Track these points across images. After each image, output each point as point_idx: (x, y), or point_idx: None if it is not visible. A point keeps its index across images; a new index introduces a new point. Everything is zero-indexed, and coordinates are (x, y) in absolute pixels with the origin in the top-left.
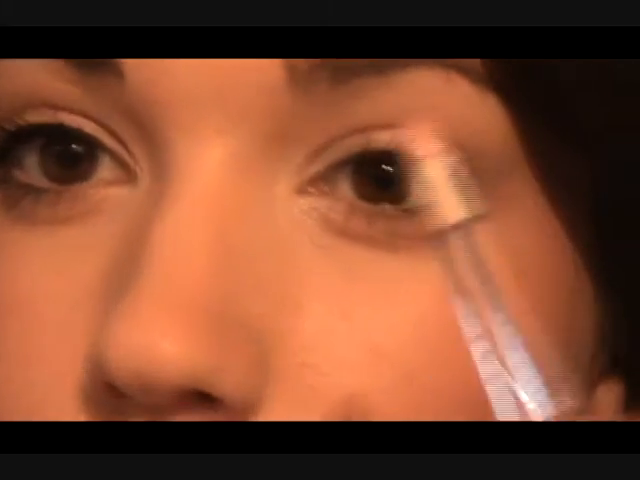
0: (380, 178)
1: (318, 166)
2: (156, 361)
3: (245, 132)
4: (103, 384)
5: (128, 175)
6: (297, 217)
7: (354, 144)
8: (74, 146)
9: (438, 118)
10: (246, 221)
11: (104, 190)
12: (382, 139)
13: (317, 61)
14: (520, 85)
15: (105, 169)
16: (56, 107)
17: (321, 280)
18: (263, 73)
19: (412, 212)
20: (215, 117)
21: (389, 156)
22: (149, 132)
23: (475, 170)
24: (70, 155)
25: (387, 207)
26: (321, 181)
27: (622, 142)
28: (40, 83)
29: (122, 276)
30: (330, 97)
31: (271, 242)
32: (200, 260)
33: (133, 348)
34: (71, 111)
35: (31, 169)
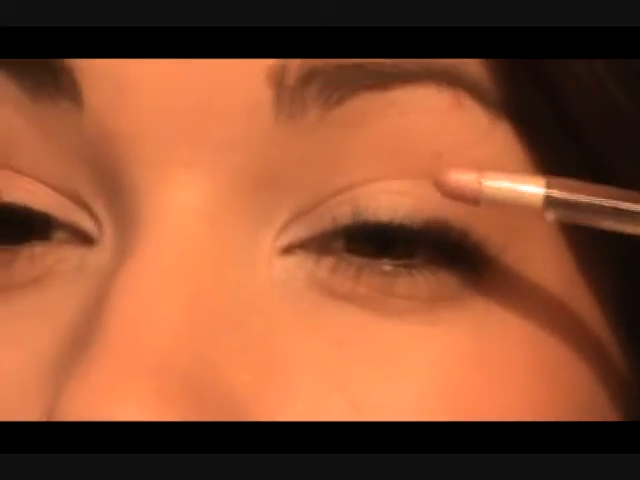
0: (378, 236)
1: (305, 231)
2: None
3: (222, 168)
4: None
5: (86, 235)
6: (280, 277)
7: (343, 213)
8: (23, 219)
9: (444, 145)
10: (224, 281)
11: (60, 250)
12: (373, 204)
13: (306, 74)
14: (536, 109)
15: (60, 233)
16: (4, 163)
17: (309, 346)
18: (244, 92)
19: (415, 269)
20: (185, 148)
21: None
22: (109, 175)
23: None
24: (19, 224)
25: (385, 262)
26: (308, 242)
27: None
28: None
29: (78, 342)
30: (321, 127)
31: (252, 304)
32: (171, 316)
33: (85, 415)
34: (20, 170)
35: None
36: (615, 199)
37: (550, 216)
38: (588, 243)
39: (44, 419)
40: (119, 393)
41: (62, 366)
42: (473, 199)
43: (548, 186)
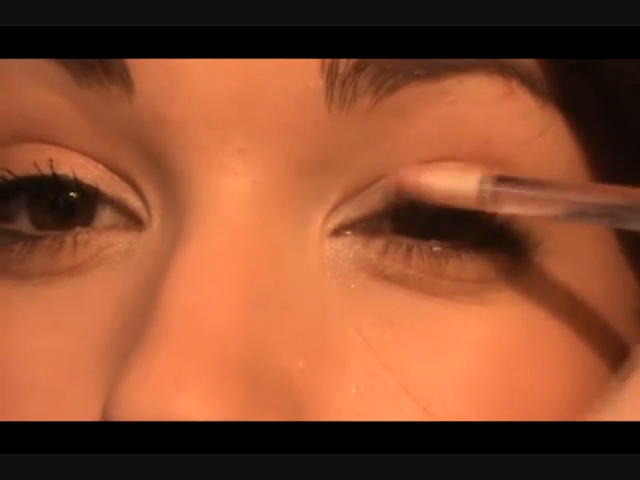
0: (424, 216)
1: (355, 211)
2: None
3: (274, 154)
4: None
5: (134, 219)
6: (330, 259)
7: (391, 192)
8: (71, 194)
9: (495, 132)
10: (276, 265)
11: (107, 235)
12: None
13: (359, 63)
14: (588, 101)
15: (105, 216)
16: (52, 141)
17: (359, 328)
18: (296, 79)
19: (463, 250)
20: (238, 135)
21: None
22: (160, 160)
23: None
24: (64, 204)
25: (433, 243)
26: (358, 223)
27: None
28: (36, 103)
29: (132, 330)
30: (372, 115)
31: (304, 288)
32: (229, 305)
33: (146, 407)
34: (68, 146)
35: (19, 220)
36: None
37: (494, 209)
38: (623, 246)
39: (101, 410)
40: (184, 388)
41: (116, 355)
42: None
43: (482, 182)
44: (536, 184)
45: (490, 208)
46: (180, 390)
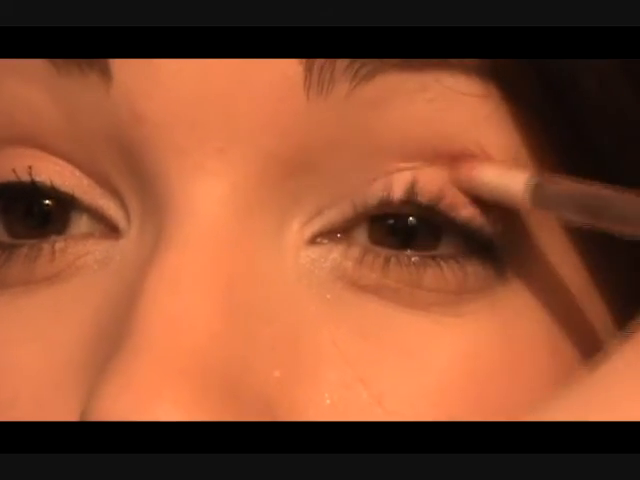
0: (401, 227)
1: (331, 219)
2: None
3: (254, 153)
4: None
5: (111, 226)
6: (307, 268)
7: (371, 195)
8: (46, 202)
9: (472, 135)
10: (254, 273)
11: (84, 244)
12: (397, 191)
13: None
14: (556, 101)
15: (82, 224)
16: (32, 142)
17: (334, 339)
18: (274, 69)
19: (442, 260)
20: (217, 134)
21: (411, 205)
22: (137, 160)
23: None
24: (39, 212)
25: (410, 253)
26: (334, 232)
27: None
28: (19, 100)
29: (111, 339)
30: (349, 104)
31: (281, 297)
32: (209, 314)
33: (124, 416)
34: (47, 147)
35: None
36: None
37: (537, 209)
38: (603, 248)
39: (79, 416)
40: (164, 394)
41: (96, 365)
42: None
43: (530, 180)
44: (584, 189)
45: (536, 208)
46: (161, 398)
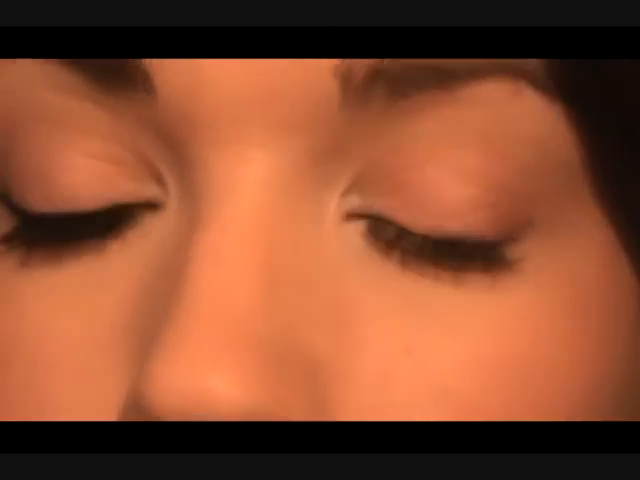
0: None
1: (367, 197)
2: (208, 402)
3: (290, 148)
4: None
5: (150, 201)
6: (347, 242)
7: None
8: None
9: (502, 135)
10: (294, 246)
11: (127, 216)
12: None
13: (373, 70)
14: (591, 98)
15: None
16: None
17: (378, 311)
18: (314, 82)
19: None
20: (258, 130)
21: None
22: (182, 151)
23: (536, 193)
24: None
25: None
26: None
27: None
28: (62, 109)
29: (157, 309)
30: (386, 115)
31: (321, 267)
32: (253, 283)
33: (181, 385)
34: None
35: None
36: None
37: None
38: (629, 238)
39: (130, 386)
40: (216, 364)
41: (139, 335)
42: None
43: None
44: None
45: None
46: (215, 368)
